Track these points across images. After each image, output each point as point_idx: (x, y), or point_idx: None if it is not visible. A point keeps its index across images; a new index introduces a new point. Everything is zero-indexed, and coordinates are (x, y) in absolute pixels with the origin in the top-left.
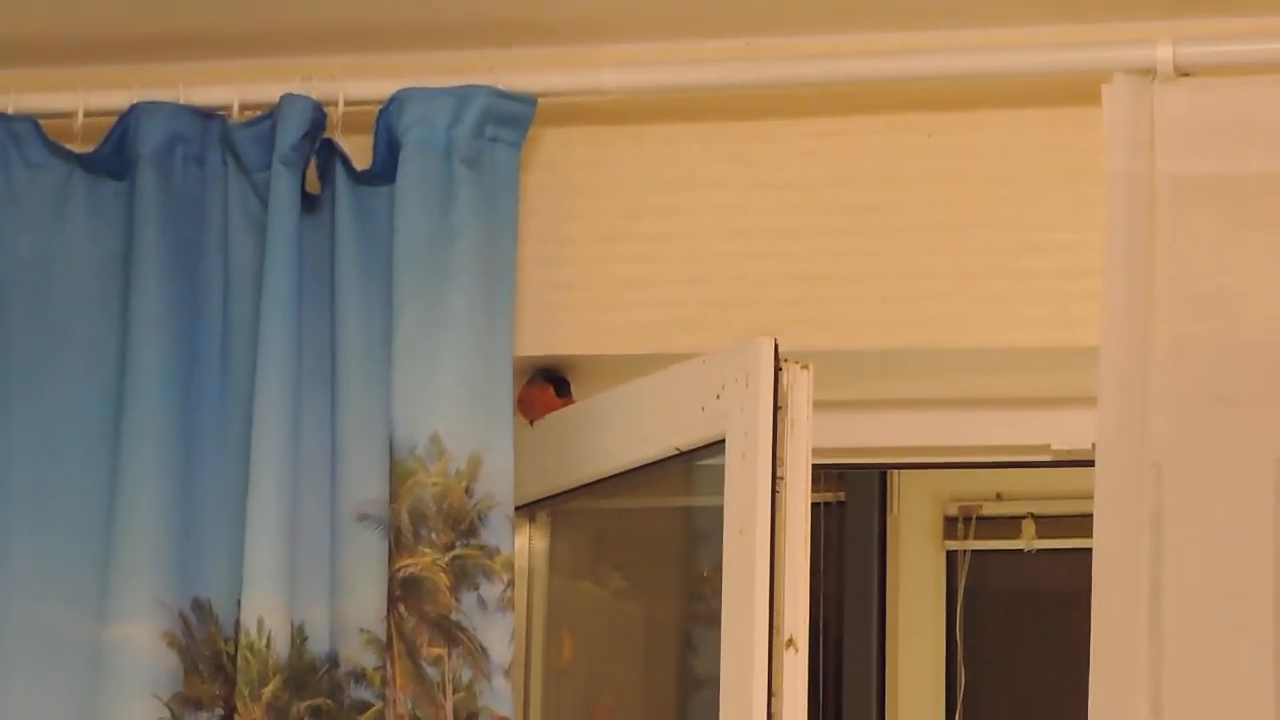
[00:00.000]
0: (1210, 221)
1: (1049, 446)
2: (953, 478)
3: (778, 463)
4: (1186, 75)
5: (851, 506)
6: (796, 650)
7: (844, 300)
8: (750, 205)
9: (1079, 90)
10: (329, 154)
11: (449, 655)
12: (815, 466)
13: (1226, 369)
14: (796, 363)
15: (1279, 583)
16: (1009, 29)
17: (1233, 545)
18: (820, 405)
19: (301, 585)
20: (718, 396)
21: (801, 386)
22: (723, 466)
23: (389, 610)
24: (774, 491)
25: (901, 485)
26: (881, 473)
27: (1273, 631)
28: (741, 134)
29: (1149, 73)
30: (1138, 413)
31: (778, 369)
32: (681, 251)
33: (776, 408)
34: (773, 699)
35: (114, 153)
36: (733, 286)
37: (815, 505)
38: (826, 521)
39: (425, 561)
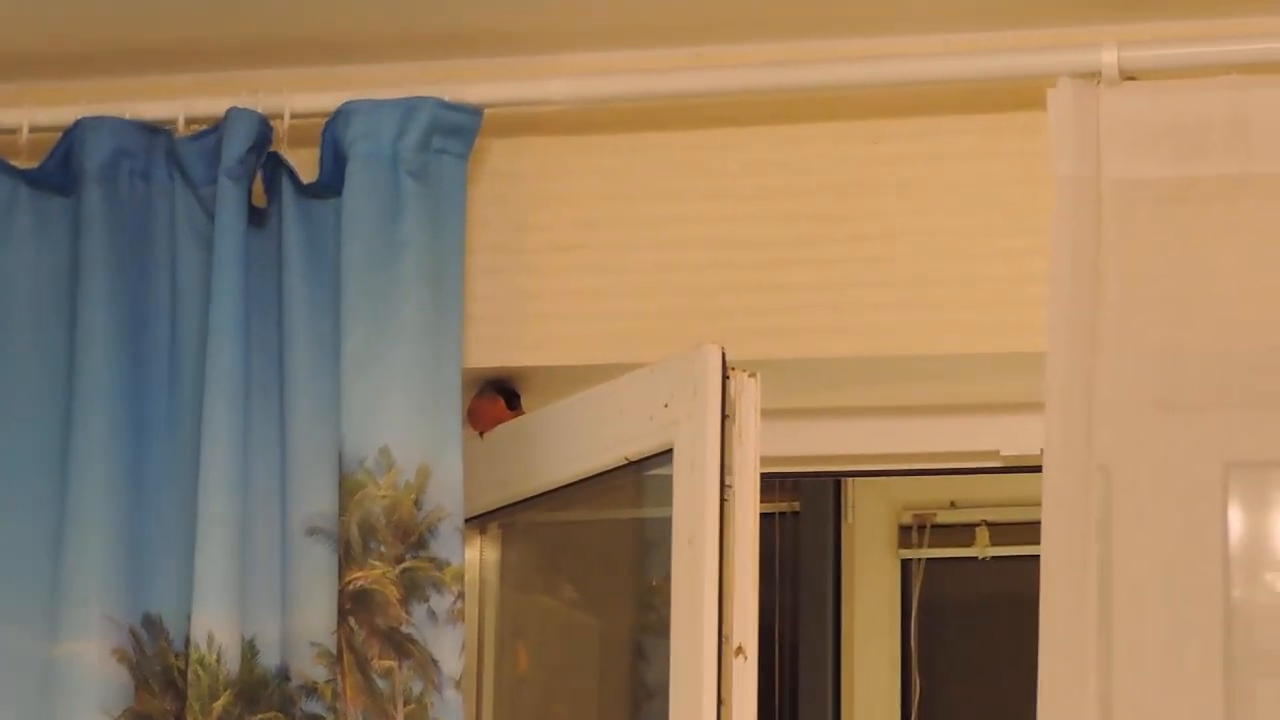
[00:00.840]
0: (1157, 225)
1: (998, 452)
2: (907, 486)
3: (726, 471)
4: (1132, 79)
5: (806, 516)
6: (746, 658)
7: (795, 309)
8: (699, 215)
9: (1025, 95)
10: (275, 167)
11: (400, 667)
12: (769, 475)
13: (1174, 373)
14: (744, 371)
15: (1227, 586)
16: (954, 35)
17: (1181, 549)
18: (772, 413)
19: (252, 599)
20: (666, 406)
21: (749, 395)
22: (671, 476)
23: (339, 623)
24: (722, 500)
25: (856, 494)
26: (836, 482)
27: (1221, 635)
28: (690, 144)
29: (1094, 76)
30: (1085, 417)
31: (725, 377)
32: (632, 262)
33: (724, 416)
34: (722, 707)
35: (59, 168)
36: (683, 296)
37: (770, 515)
38: (781, 531)
39: (375, 574)
